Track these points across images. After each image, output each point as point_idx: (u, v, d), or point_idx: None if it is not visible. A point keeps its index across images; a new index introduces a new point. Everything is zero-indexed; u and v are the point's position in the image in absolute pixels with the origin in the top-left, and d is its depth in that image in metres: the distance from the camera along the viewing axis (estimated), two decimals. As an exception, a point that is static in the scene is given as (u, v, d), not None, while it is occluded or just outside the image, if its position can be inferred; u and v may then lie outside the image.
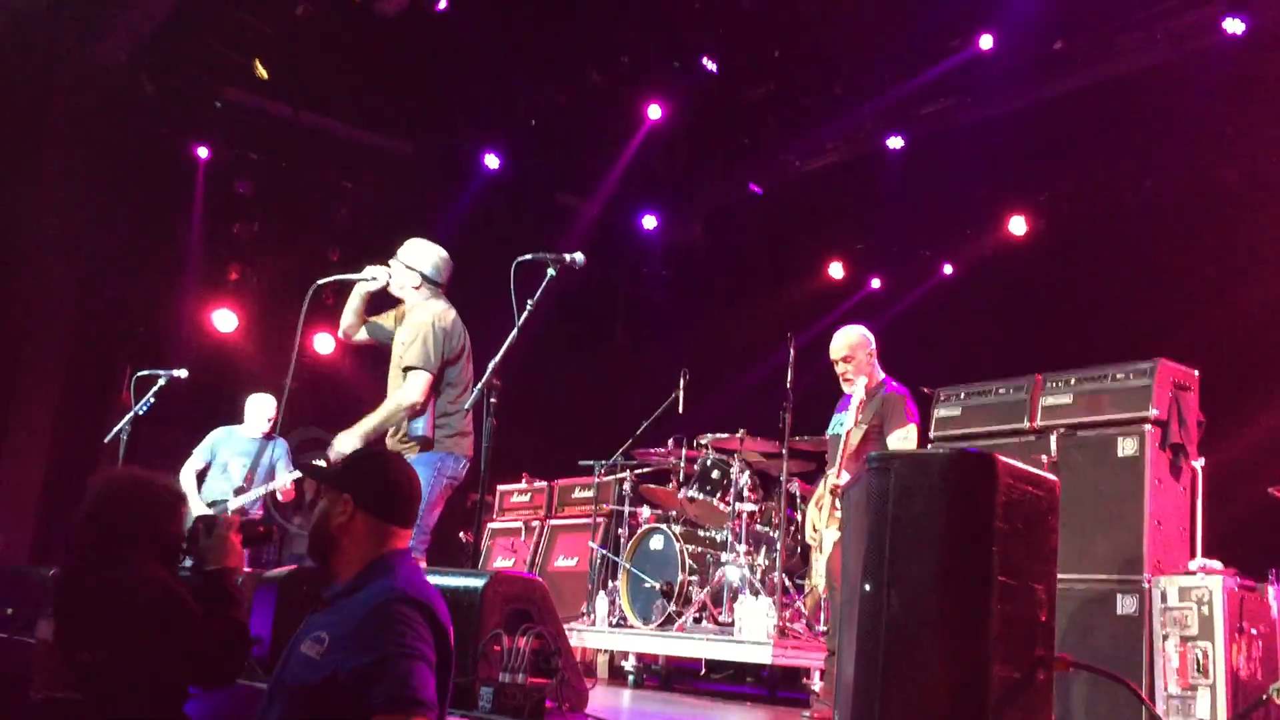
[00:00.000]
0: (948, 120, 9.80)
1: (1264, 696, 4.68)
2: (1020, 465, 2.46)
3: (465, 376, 5.13)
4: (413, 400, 4.90)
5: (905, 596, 2.35)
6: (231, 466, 7.46)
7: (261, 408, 7.65)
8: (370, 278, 5.30)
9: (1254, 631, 4.94)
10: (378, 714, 2.39)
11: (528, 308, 4.54)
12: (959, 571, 2.33)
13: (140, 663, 2.92)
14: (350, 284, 5.43)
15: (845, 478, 5.03)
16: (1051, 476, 2.55)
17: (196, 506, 7.15)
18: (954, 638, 2.31)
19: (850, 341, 5.48)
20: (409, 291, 5.27)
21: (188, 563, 3.21)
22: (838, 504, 4.93)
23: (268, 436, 7.51)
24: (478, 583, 3.51)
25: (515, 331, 4.49)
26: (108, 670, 2.92)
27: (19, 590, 5.70)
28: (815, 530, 5.40)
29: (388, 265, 5.32)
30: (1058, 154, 9.37)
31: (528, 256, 4.63)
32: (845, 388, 5.44)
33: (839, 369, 5.46)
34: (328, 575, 2.75)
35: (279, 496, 7.10)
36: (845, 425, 5.30)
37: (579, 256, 4.67)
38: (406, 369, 4.98)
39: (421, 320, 5.02)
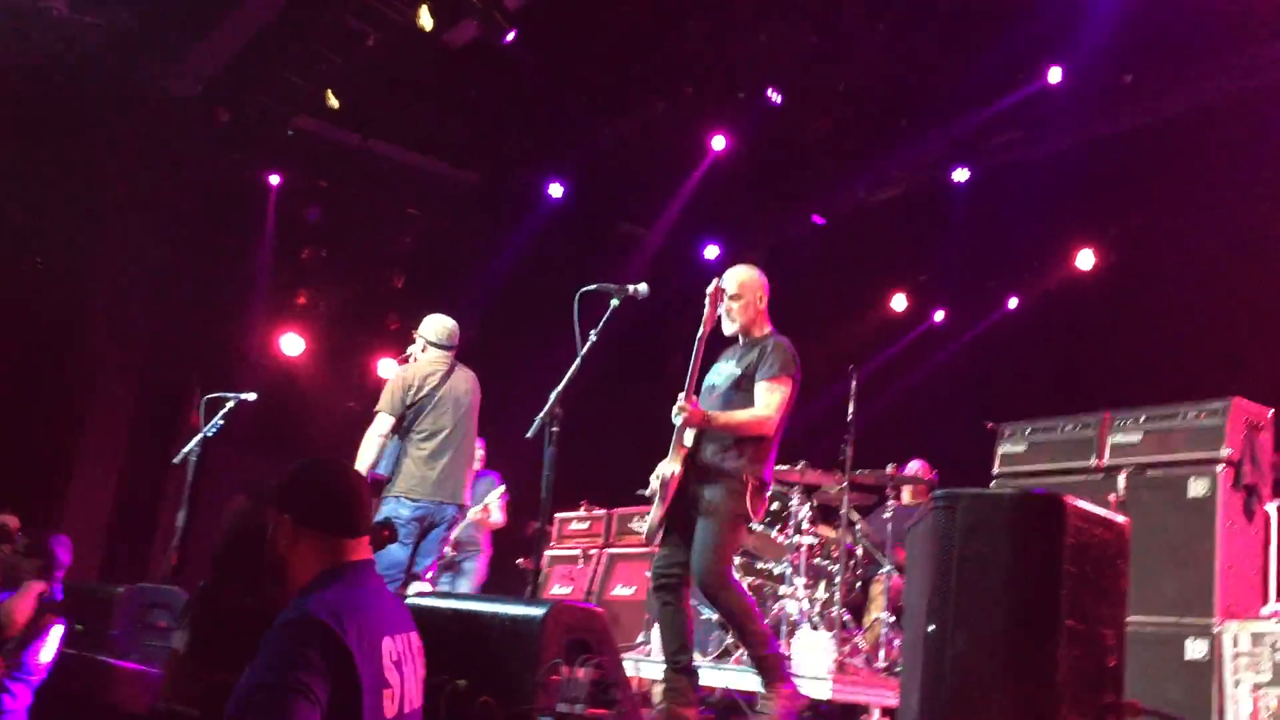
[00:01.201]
0: (1015, 153, 9.72)
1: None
2: (1089, 507, 2.43)
3: (436, 427, 6.03)
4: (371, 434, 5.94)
5: (971, 638, 2.33)
6: None
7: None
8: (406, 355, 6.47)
9: (1330, 680, 4.81)
10: None
11: (591, 338, 4.56)
12: (1026, 614, 2.30)
13: None
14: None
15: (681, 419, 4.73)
16: (1121, 518, 2.51)
17: None
18: (1020, 681, 2.27)
19: (742, 279, 5.03)
20: (419, 355, 6.36)
21: None
22: (685, 440, 4.68)
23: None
24: (538, 612, 3.53)
25: (578, 361, 4.52)
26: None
27: (89, 607, 5.81)
28: (658, 476, 4.89)
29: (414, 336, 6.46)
30: (1127, 188, 9.24)
31: (592, 287, 4.67)
32: (725, 327, 5.02)
33: (723, 304, 5.00)
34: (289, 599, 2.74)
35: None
36: (696, 364, 4.90)
37: (643, 287, 4.69)
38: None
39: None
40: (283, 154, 10.52)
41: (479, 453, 8.18)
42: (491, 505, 8.35)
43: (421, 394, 6.07)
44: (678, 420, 4.66)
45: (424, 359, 6.33)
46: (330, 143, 10.65)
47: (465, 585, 8.26)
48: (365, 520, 2.72)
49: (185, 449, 7.29)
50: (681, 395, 4.70)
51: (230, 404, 7.21)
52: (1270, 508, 5.31)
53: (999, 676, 2.28)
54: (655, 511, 4.69)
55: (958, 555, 2.38)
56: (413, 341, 6.52)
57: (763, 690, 4.47)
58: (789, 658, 4.82)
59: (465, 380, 6.39)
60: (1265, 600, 5.13)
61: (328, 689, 2.31)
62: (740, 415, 4.71)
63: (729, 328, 4.91)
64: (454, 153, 11.21)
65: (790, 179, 10.87)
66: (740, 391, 4.82)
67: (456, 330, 6.46)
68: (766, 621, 6.76)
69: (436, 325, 6.40)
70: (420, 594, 5.10)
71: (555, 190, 11.13)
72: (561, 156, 10.97)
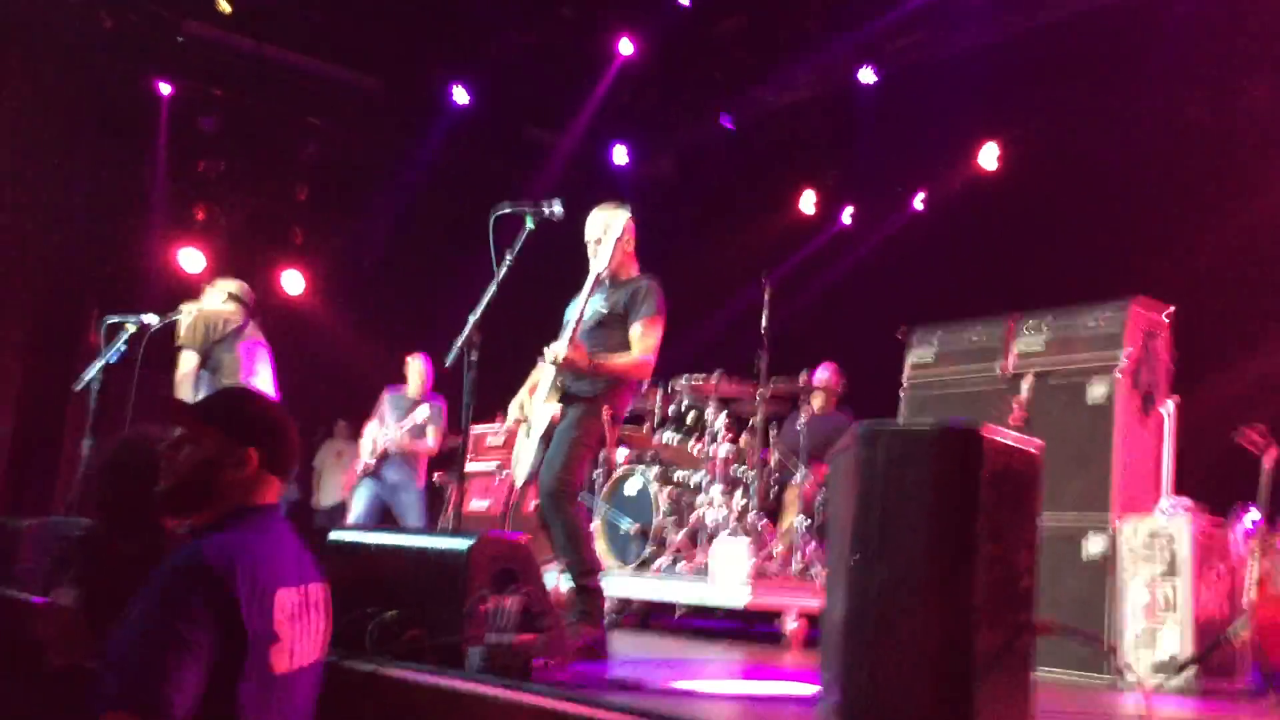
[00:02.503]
0: (921, 54, 9.75)
1: (1227, 632, 4.82)
2: (1006, 437, 2.50)
3: (244, 358, 6.24)
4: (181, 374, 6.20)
5: (892, 567, 2.40)
6: (389, 423, 8.55)
7: (414, 370, 8.81)
8: (185, 312, 6.60)
9: (1219, 570, 5.08)
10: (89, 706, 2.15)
11: (507, 260, 4.49)
12: (945, 543, 2.38)
13: None
14: None
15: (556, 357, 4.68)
16: (1035, 447, 2.59)
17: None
18: (940, 606, 2.36)
19: (609, 220, 4.93)
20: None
21: None
22: (558, 380, 4.70)
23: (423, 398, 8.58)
24: (463, 544, 3.54)
25: (494, 285, 4.46)
26: None
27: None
28: (523, 412, 4.95)
29: (198, 300, 6.67)
30: (1030, 88, 9.33)
31: (505, 208, 4.58)
32: (594, 267, 4.91)
33: (590, 250, 4.96)
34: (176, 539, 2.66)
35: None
36: (577, 310, 4.85)
37: (558, 207, 4.62)
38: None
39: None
40: (174, 61, 10.09)
41: (420, 378, 8.73)
42: (429, 431, 8.51)
43: (217, 330, 6.54)
44: (555, 363, 4.64)
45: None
46: (224, 49, 10.26)
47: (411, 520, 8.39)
48: (295, 465, 2.70)
49: (86, 375, 7.07)
50: (564, 340, 4.70)
51: (130, 329, 7.01)
52: (1165, 409, 5.51)
53: (920, 603, 2.37)
54: (534, 452, 4.70)
55: (880, 489, 2.45)
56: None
57: (572, 618, 4.42)
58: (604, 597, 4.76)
59: None
60: (1160, 495, 5.35)
61: (210, 639, 2.22)
62: (622, 360, 4.73)
63: (599, 268, 4.85)
64: (355, 58, 10.87)
65: (698, 82, 10.78)
66: (605, 329, 4.82)
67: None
68: (684, 530, 6.92)
69: (233, 285, 6.81)
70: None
71: (460, 96, 10.88)
72: (466, 61, 10.72)
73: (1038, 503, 2.60)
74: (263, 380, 6.31)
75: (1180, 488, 5.35)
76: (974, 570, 2.36)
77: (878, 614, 2.40)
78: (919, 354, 6.19)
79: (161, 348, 8.69)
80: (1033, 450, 2.57)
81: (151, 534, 3.08)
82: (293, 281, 11.43)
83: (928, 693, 2.33)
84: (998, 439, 2.46)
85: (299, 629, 2.44)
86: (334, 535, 4.06)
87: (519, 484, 5.03)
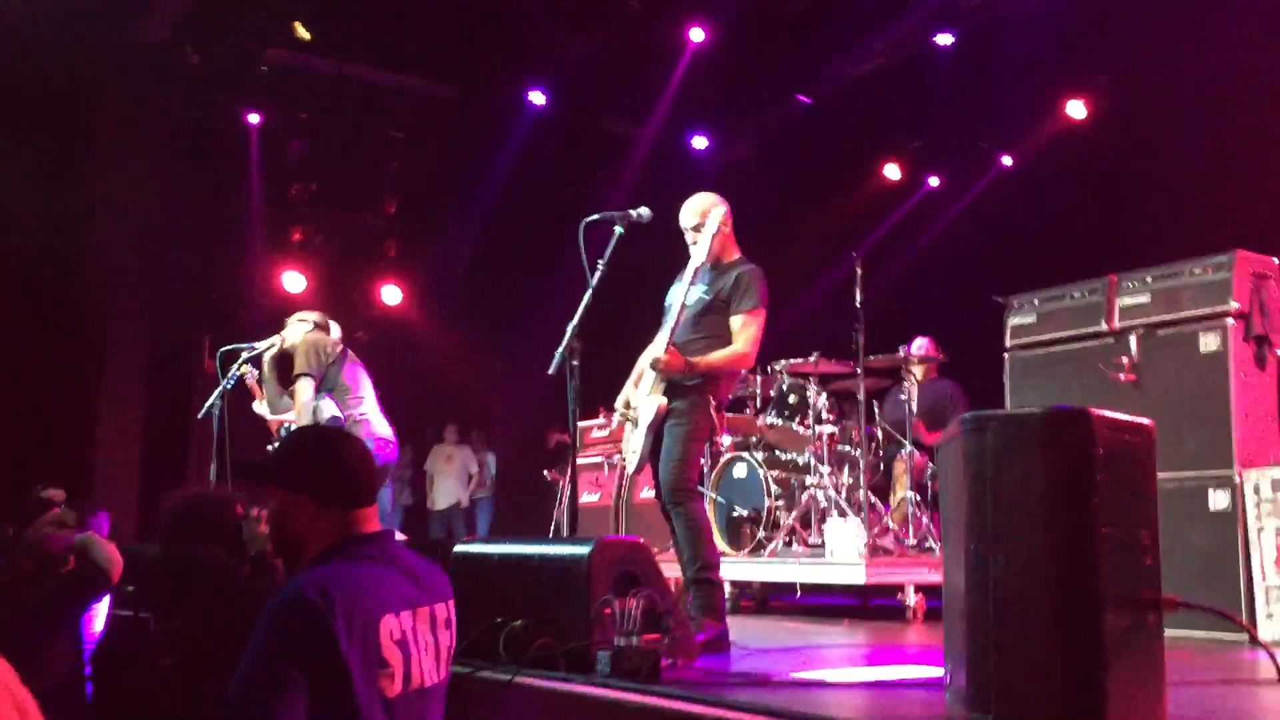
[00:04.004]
0: (997, 10, 9.56)
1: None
2: (1115, 415, 2.49)
3: (349, 380, 6.24)
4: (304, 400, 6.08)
5: (1011, 555, 2.41)
6: None
7: None
8: (270, 344, 6.59)
9: (1351, 518, 4.94)
10: None
11: (600, 268, 4.56)
12: (1064, 528, 2.38)
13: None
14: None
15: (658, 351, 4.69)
16: (1146, 421, 2.58)
17: None
18: (1063, 592, 2.36)
19: (702, 208, 4.88)
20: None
21: None
22: (656, 379, 4.66)
23: None
24: (584, 550, 3.62)
25: (589, 294, 4.53)
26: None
27: (130, 571, 5.93)
28: (629, 406, 4.95)
29: (280, 334, 6.58)
30: (1113, 35, 9.10)
31: (595, 218, 4.65)
32: (695, 257, 4.85)
33: (689, 237, 4.91)
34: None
35: None
36: (680, 297, 4.81)
37: (645, 211, 4.68)
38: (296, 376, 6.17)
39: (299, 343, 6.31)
40: (259, 91, 10.39)
41: None
42: None
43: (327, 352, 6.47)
44: (654, 367, 4.65)
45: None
46: (305, 73, 10.52)
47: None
48: (374, 488, 2.70)
49: (207, 403, 7.35)
50: (659, 342, 4.72)
51: (245, 355, 7.26)
52: (1280, 356, 5.37)
53: (1042, 590, 2.37)
54: (644, 442, 4.73)
55: (990, 477, 2.45)
56: None
57: (694, 613, 4.42)
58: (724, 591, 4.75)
59: None
60: (1282, 447, 5.22)
61: (311, 674, 2.30)
62: (721, 356, 4.70)
63: (699, 258, 4.84)
64: (430, 69, 11.05)
65: (772, 62, 10.72)
66: (709, 316, 4.80)
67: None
68: (795, 512, 6.95)
69: (317, 314, 6.78)
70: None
71: (536, 98, 10.99)
72: (538, 62, 10.82)
73: (1154, 479, 2.58)
74: (369, 396, 6.48)
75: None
76: (1095, 554, 2.36)
77: (1000, 602, 2.42)
78: (1019, 318, 6.11)
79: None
80: (1144, 425, 2.55)
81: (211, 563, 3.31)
82: (391, 294, 11.70)
83: (1057, 678, 2.34)
84: (1109, 418, 2.45)
85: (413, 652, 2.50)
86: (458, 548, 4.18)
87: (631, 473, 5.08)
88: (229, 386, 7.29)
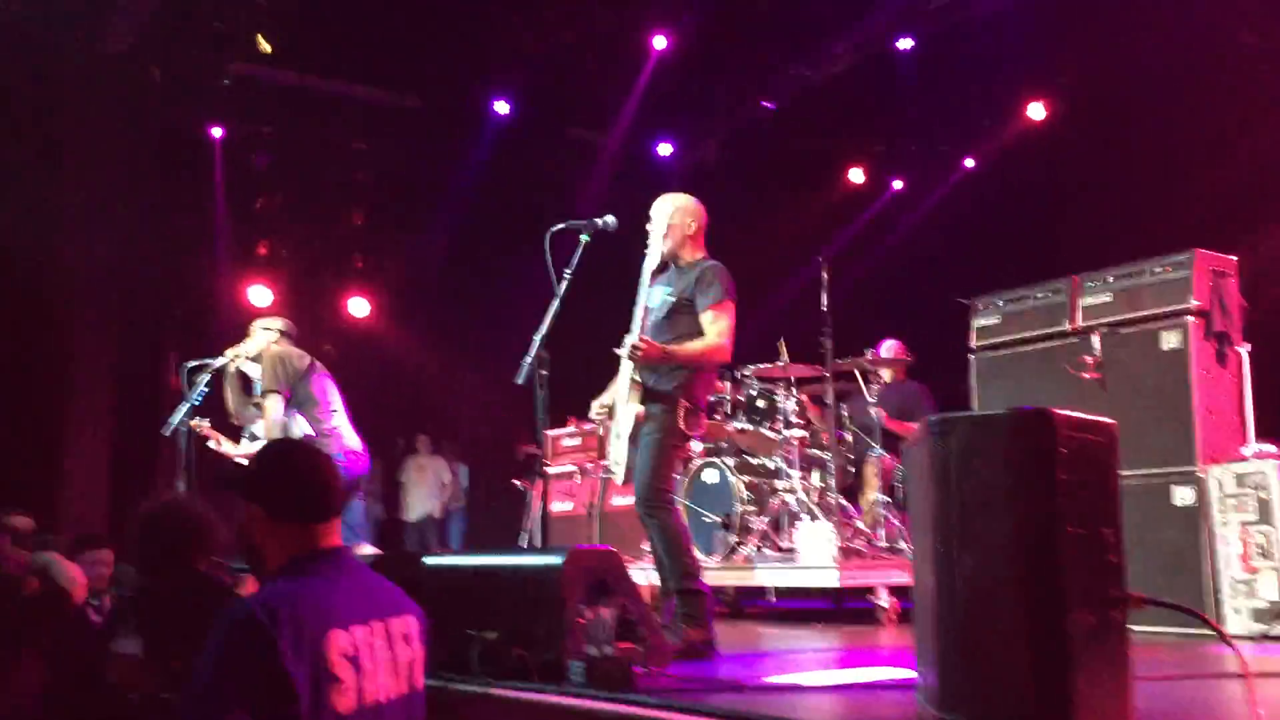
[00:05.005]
0: (957, 14, 9.65)
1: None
2: (1077, 414, 2.52)
3: (317, 393, 6.09)
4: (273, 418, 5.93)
5: (979, 556, 2.44)
6: None
7: None
8: (233, 357, 6.38)
9: (1312, 511, 5.02)
10: None
11: (566, 277, 4.57)
12: (1030, 528, 2.40)
13: None
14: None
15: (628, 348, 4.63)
16: (1109, 420, 2.61)
17: None
18: (1030, 592, 2.39)
19: (667, 209, 4.87)
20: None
21: None
22: (635, 375, 4.65)
23: None
24: (556, 560, 3.63)
25: (557, 302, 4.54)
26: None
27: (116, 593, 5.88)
28: (602, 407, 4.96)
29: (244, 342, 6.40)
30: (1071, 37, 9.23)
31: (561, 226, 4.66)
32: (655, 256, 4.85)
33: (653, 235, 4.89)
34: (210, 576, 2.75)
35: None
36: (646, 298, 4.84)
37: (611, 219, 4.69)
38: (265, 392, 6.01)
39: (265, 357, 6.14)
40: (222, 104, 10.33)
41: None
42: None
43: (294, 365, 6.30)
44: (631, 357, 4.61)
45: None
46: (268, 86, 10.46)
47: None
48: (336, 504, 2.68)
49: (174, 419, 7.29)
50: (633, 334, 4.68)
51: (211, 370, 7.20)
52: (1242, 351, 5.44)
53: (1008, 590, 2.40)
54: (623, 451, 4.72)
55: (956, 479, 2.48)
56: None
57: (672, 623, 4.40)
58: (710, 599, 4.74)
59: None
60: (1245, 441, 5.29)
61: (256, 693, 2.30)
62: (696, 346, 4.69)
63: (651, 258, 4.84)
64: (393, 79, 11.02)
65: (735, 67, 10.77)
66: (676, 316, 4.79)
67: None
68: (767, 516, 6.97)
69: (281, 323, 6.58)
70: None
71: (501, 107, 11.00)
72: (503, 69, 10.82)
73: (1117, 477, 2.61)
74: (338, 409, 6.43)
75: (1260, 434, 5.29)
76: (1060, 553, 2.39)
77: (968, 603, 2.44)
78: (985, 319, 6.18)
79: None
80: (1106, 424, 2.58)
81: (193, 583, 3.27)
82: (359, 306, 11.66)
83: (1025, 677, 2.36)
84: (1071, 418, 2.48)
85: (366, 667, 2.48)
86: (430, 560, 4.17)
87: (620, 483, 5.05)
88: (196, 402, 7.25)
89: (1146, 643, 4.58)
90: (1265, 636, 4.74)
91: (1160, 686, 3.43)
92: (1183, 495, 5.22)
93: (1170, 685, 3.52)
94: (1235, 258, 5.50)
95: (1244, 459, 5.09)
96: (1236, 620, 4.89)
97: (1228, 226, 6.78)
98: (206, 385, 7.22)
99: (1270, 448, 5.08)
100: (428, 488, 12.51)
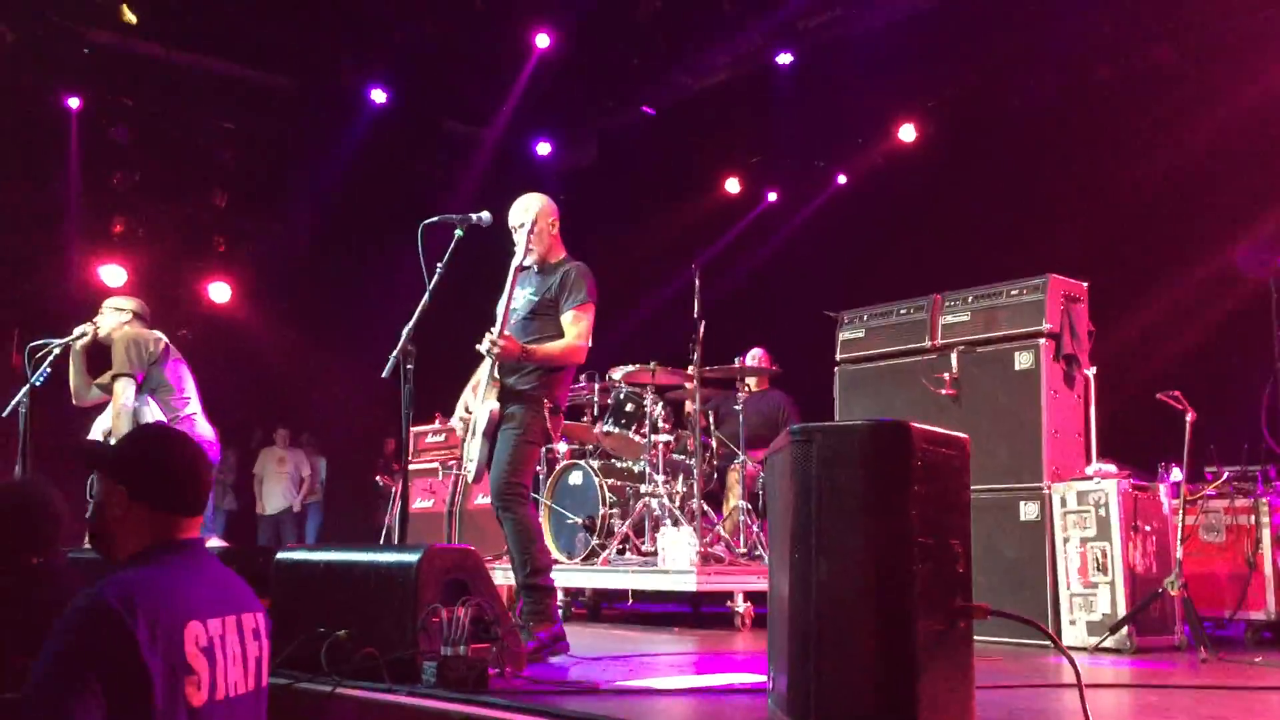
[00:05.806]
0: (835, 32, 9.86)
1: (1159, 590, 5.00)
2: (932, 428, 2.58)
3: (172, 379, 5.89)
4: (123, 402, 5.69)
5: (833, 562, 2.48)
6: None
7: None
8: (79, 334, 6.10)
9: (1147, 529, 5.26)
10: None
11: (438, 271, 4.51)
12: (883, 537, 2.46)
13: None
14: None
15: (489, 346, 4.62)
16: (962, 435, 2.68)
17: None
18: (880, 599, 2.44)
19: (530, 208, 4.89)
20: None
21: None
22: (495, 372, 4.69)
23: None
24: (412, 558, 3.56)
25: (427, 296, 4.47)
26: None
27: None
28: (468, 411, 4.95)
29: (94, 321, 6.12)
30: (942, 61, 9.50)
31: (434, 220, 4.59)
32: (522, 258, 4.86)
33: (516, 236, 4.90)
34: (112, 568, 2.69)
35: None
36: (504, 299, 4.84)
37: (485, 215, 4.65)
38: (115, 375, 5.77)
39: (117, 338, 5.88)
40: (81, 73, 9.88)
41: None
42: None
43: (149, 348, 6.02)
44: (491, 354, 4.61)
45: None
46: (132, 58, 10.06)
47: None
48: (201, 499, 2.64)
49: (14, 400, 6.95)
50: (494, 330, 4.65)
51: (55, 352, 6.89)
52: (1089, 373, 5.67)
53: (860, 597, 2.44)
54: (480, 449, 4.69)
55: (815, 487, 2.51)
56: None
57: (520, 620, 4.43)
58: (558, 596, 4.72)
59: None
60: (1089, 460, 5.51)
61: (110, 680, 2.25)
62: (556, 346, 4.73)
63: (527, 258, 4.84)
64: (265, 58, 10.71)
65: (617, 70, 10.78)
66: (539, 318, 4.82)
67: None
68: (630, 520, 6.99)
69: (135, 303, 6.29)
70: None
71: (378, 95, 10.80)
72: (379, 55, 10.62)
73: (968, 491, 2.69)
74: (192, 396, 6.21)
75: (1102, 453, 5.51)
76: (911, 562, 2.44)
77: (820, 608, 2.48)
78: (850, 332, 6.30)
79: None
80: (959, 439, 2.65)
81: (22, 571, 3.14)
82: (219, 291, 11.29)
83: (871, 681, 2.41)
84: (927, 431, 2.54)
85: (219, 660, 2.45)
86: (281, 555, 4.05)
87: (471, 481, 5.02)
88: (37, 383, 6.92)
89: (989, 652, 4.76)
90: (1099, 648, 4.95)
91: (1000, 694, 3.54)
92: (1029, 510, 5.41)
93: (1009, 694, 3.63)
94: (1086, 283, 5.72)
95: (1087, 477, 5.30)
96: (1072, 632, 5.10)
97: (1081, 252, 7.06)
98: (49, 365, 6.92)
99: (1111, 467, 5.31)
100: (286, 481, 12.20)
